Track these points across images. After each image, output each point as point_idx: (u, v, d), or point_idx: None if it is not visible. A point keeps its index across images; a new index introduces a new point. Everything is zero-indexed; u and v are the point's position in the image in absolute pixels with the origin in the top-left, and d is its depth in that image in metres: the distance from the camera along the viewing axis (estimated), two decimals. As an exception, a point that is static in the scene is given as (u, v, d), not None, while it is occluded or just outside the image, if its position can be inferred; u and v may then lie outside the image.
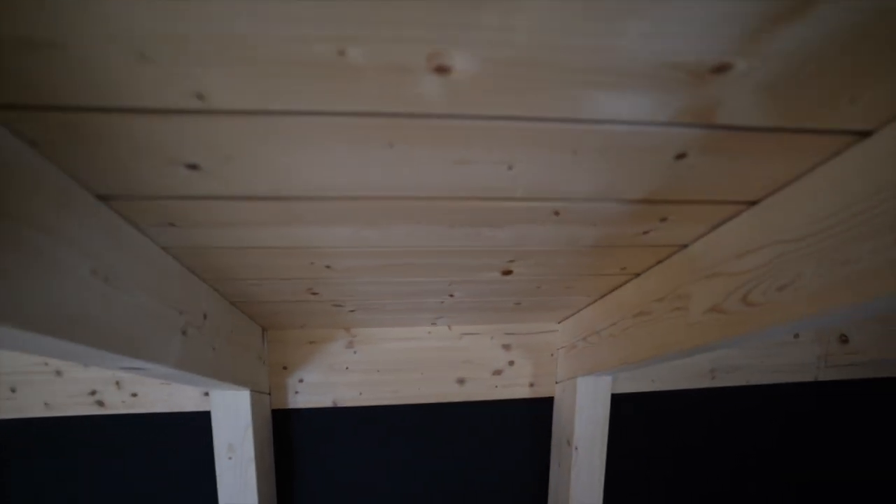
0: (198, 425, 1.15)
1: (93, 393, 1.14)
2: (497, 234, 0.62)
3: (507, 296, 0.96)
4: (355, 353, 1.19)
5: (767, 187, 0.54)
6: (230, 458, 1.06)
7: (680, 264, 0.73)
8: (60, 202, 0.43)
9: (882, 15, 0.31)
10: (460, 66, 0.33)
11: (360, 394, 1.20)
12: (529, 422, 1.28)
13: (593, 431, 1.17)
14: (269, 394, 1.17)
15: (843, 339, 1.34)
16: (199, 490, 1.16)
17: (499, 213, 0.56)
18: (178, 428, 1.16)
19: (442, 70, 0.33)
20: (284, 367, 1.18)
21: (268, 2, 0.27)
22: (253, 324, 1.07)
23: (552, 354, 1.25)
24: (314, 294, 0.87)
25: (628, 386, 1.31)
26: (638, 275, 0.84)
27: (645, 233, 0.65)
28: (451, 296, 0.94)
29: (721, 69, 0.35)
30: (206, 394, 1.17)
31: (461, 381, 1.23)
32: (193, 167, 0.44)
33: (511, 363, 1.25)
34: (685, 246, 0.71)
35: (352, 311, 1.02)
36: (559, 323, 1.24)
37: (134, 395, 1.15)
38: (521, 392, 1.26)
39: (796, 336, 1.37)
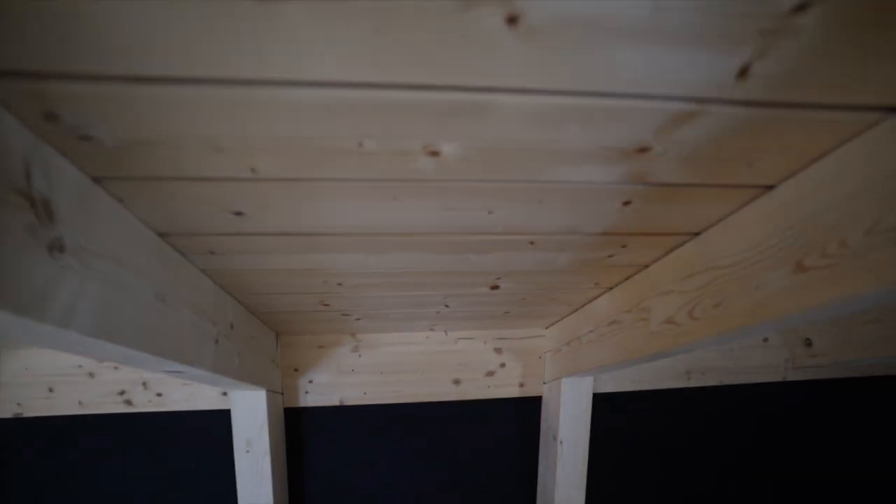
0: (216, 422, 1.27)
1: (122, 393, 1.26)
2: (483, 258, 0.74)
3: (497, 306, 1.08)
4: (360, 356, 1.31)
5: (705, 223, 0.65)
6: (248, 452, 1.18)
7: (642, 281, 0.84)
8: (134, 240, 0.55)
9: (750, 119, 0.42)
10: (447, 151, 0.44)
11: (365, 394, 1.32)
12: (519, 419, 1.39)
13: (576, 427, 1.28)
14: (282, 393, 1.29)
15: (808, 343, 1.45)
16: (218, 480, 1.27)
17: (483, 244, 0.68)
18: (198, 424, 1.28)
19: (433, 153, 0.44)
20: (296, 370, 1.29)
21: (311, 112, 0.39)
22: (268, 330, 1.18)
23: (540, 357, 1.37)
24: (325, 305, 0.99)
25: (611, 386, 1.43)
26: (610, 289, 0.96)
27: (609, 256, 0.77)
28: (447, 306, 1.05)
29: (643, 150, 0.46)
30: (224, 393, 1.29)
31: (457, 382, 1.35)
32: (239, 214, 0.55)
33: (502, 365, 1.36)
34: (646, 266, 0.83)
35: (358, 319, 1.13)
36: (546, 328, 1.36)
37: (159, 394, 1.27)
38: (512, 392, 1.37)
39: (765, 340, 1.49)
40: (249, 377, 1.01)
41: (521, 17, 0.30)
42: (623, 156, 0.47)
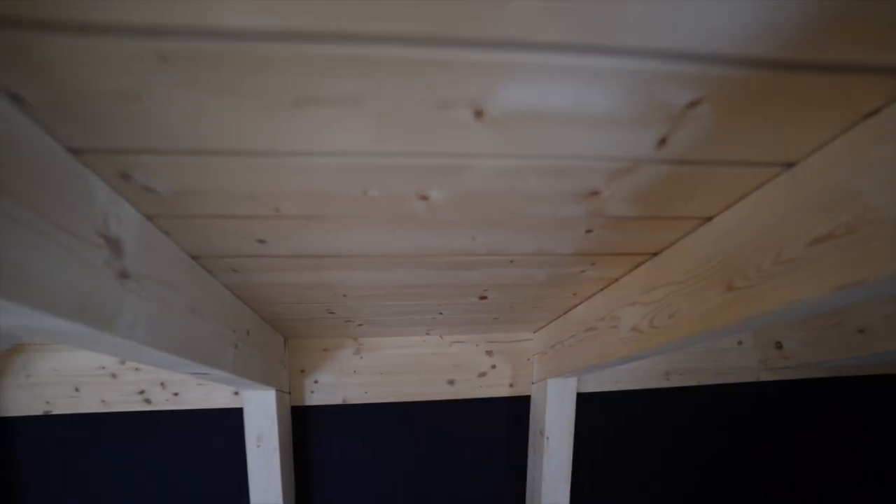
0: (229, 419, 1.37)
1: (141, 392, 1.36)
2: (470, 274, 0.85)
3: (486, 313, 1.18)
4: (362, 358, 1.41)
5: (660, 246, 0.76)
6: (259, 447, 1.28)
7: (613, 293, 0.95)
8: (175, 264, 0.66)
9: (676, 172, 0.53)
10: (435, 196, 0.55)
11: (366, 393, 1.42)
12: (509, 416, 1.50)
13: (562, 424, 1.39)
14: (290, 393, 1.39)
15: (779, 346, 1.56)
16: (230, 473, 1.38)
17: (469, 263, 0.78)
18: (212, 422, 1.38)
19: (424, 198, 0.55)
20: (302, 371, 1.40)
21: (326, 172, 0.49)
22: (277, 335, 1.29)
23: (528, 359, 1.47)
24: (331, 313, 1.09)
25: (596, 385, 1.53)
26: (587, 298, 1.06)
27: (582, 271, 0.87)
28: (441, 313, 1.16)
29: (595, 193, 0.57)
30: (236, 393, 1.39)
31: (451, 382, 1.45)
32: (261, 241, 0.66)
33: (494, 367, 1.47)
34: (616, 279, 0.93)
35: (360, 324, 1.24)
36: (534, 332, 1.46)
37: (175, 394, 1.37)
38: (503, 391, 1.48)
39: (740, 343, 1.60)
40: (262, 378, 1.12)
41: (484, 112, 0.41)
42: (579, 198, 0.58)
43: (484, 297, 1.02)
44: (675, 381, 1.57)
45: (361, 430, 1.44)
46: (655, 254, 0.80)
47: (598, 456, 1.54)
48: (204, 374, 0.85)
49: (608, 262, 0.83)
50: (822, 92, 0.41)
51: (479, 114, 0.41)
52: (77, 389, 1.34)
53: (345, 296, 0.94)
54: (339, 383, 1.42)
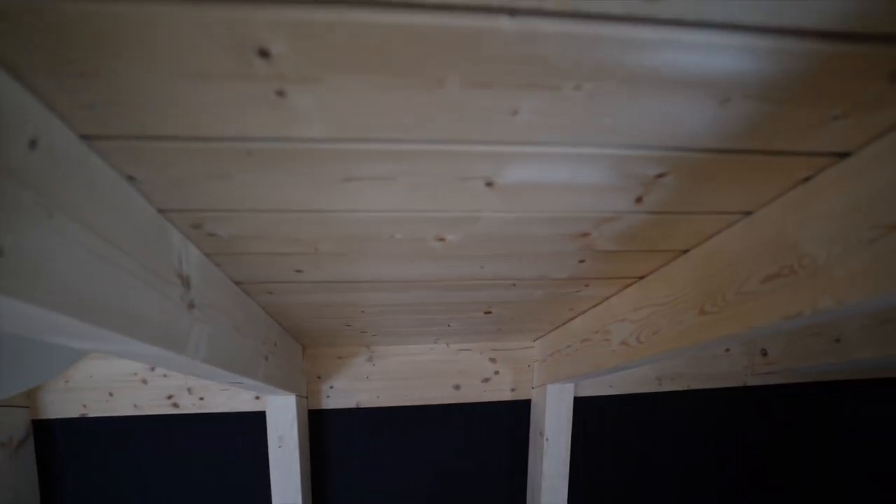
0: (251, 422, 1.48)
1: (170, 397, 1.47)
2: (477, 294, 0.95)
3: (490, 324, 1.28)
4: (374, 365, 1.52)
5: (646, 271, 0.86)
6: (280, 447, 1.39)
7: (605, 309, 1.05)
8: (225, 291, 0.76)
9: (652, 219, 0.63)
10: (450, 238, 0.65)
11: (378, 397, 1.53)
12: (511, 419, 1.60)
13: (560, 426, 1.49)
14: (307, 398, 1.50)
15: (764, 353, 1.66)
16: (252, 471, 1.48)
17: (477, 286, 0.89)
18: (235, 424, 1.49)
19: (441, 239, 0.65)
20: (319, 377, 1.50)
21: (362, 224, 0.60)
22: (297, 344, 1.39)
23: (529, 366, 1.58)
24: (348, 326, 1.20)
25: (592, 390, 1.64)
26: (582, 313, 1.17)
27: (577, 291, 0.98)
28: (449, 325, 1.26)
29: (585, 235, 0.67)
30: (257, 397, 1.49)
31: (457, 387, 1.56)
32: (298, 271, 0.76)
33: (497, 373, 1.57)
34: (608, 298, 1.03)
35: (373, 335, 1.34)
36: (534, 341, 1.57)
37: (201, 398, 1.48)
38: (505, 396, 1.58)
39: (727, 350, 1.70)
40: (285, 384, 1.22)
41: (494, 183, 0.51)
42: (572, 238, 0.68)
43: (489, 312, 1.12)
44: (667, 386, 1.67)
45: (373, 431, 1.54)
46: (642, 277, 0.90)
47: (595, 456, 1.65)
48: (240, 382, 0.96)
49: (600, 284, 0.93)
50: (765, 166, 0.51)
51: (489, 184, 0.51)
52: (111, 394, 1.44)
53: (363, 312, 1.05)
54: (352, 388, 1.52)
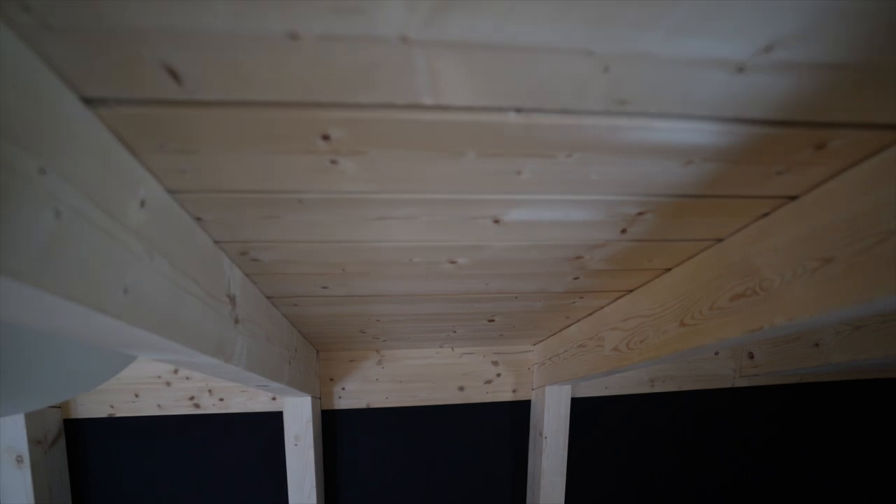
0: (268, 421, 1.57)
1: (191, 398, 1.56)
2: (482, 305, 1.05)
3: (493, 331, 1.38)
4: (383, 368, 1.61)
5: (634, 285, 0.96)
6: (296, 445, 1.48)
7: (599, 318, 1.15)
8: (259, 305, 0.86)
9: (637, 246, 0.73)
10: (461, 261, 0.75)
11: (387, 398, 1.62)
12: (512, 418, 1.70)
13: (558, 425, 1.59)
14: (320, 398, 1.59)
15: (750, 356, 1.76)
16: (269, 468, 1.58)
17: (482, 299, 0.98)
18: (253, 424, 1.58)
19: (453, 262, 0.75)
20: (331, 379, 1.60)
21: (385, 251, 0.69)
22: (312, 348, 1.49)
23: (529, 369, 1.67)
24: (362, 332, 1.29)
25: (588, 391, 1.73)
26: (578, 320, 1.26)
27: (573, 302, 1.07)
28: (454, 331, 1.36)
29: (578, 258, 0.77)
30: (273, 398, 1.59)
31: (461, 389, 1.65)
32: (324, 287, 0.86)
33: (499, 375, 1.67)
34: (601, 308, 1.13)
35: (384, 340, 1.44)
36: (534, 345, 1.66)
37: (221, 399, 1.57)
38: (506, 396, 1.68)
39: (716, 353, 1.79)
40: (302, 387, 1.32)
41: (500, 220, 0.61)
42: (567, 261, 0.78)
43: (492, 320, 1.22)
44: (659, 388, 1.77)
45: (383, 430, 1.64)
46: (631, 291, 1.00)
47: (591, 453, 1.74)
48: (266, 385, 1.05)
49: (594, 296, 1.03)
50: (729, 206, 0.61)
51: (496, 221, 0.61)
52: (136, 395, 1.54)
53: (378, 320, 1.14)
54: (363, 390, 1.62)
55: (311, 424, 1.47)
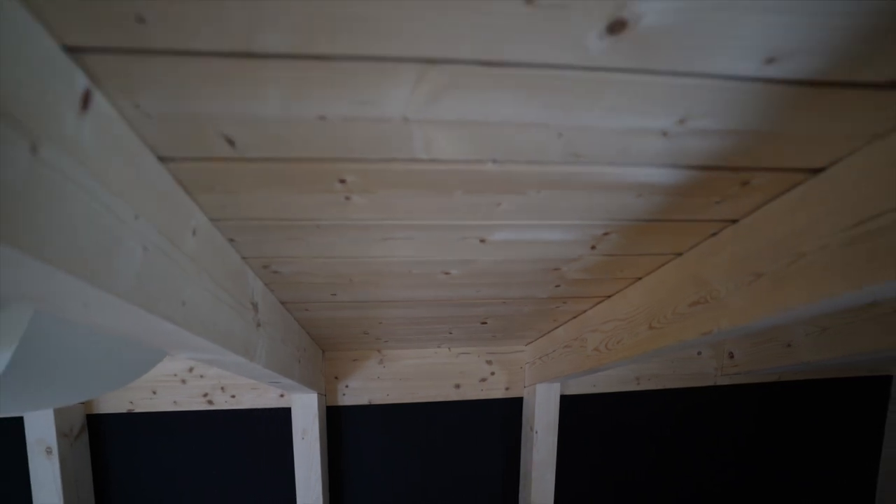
0: (277, 417, 1.68)
1: (205, 395, 1.67)
2: (475, 309, 1.16)
3: (487, 332, 1.49)
4: (384, 367, 1.72)
5: (611, 292, 1.07)
6: (303, 439, 1.59)
7: (581, 322, 1.26)
8: (275, 310, 0.96)
9: (606, 259, 0.84)
10: (454, 272, 0.86)
11: (388, 395, 1.73)
12: (505, 414, 1.81)
13: (548, 420, 1.70)
14: (325, 395, 1.70)
15: (731, 355, 1.87)
16: (278, 460, 1.69)
17: (474, 304, 1.09)
18: (262, 419, 1.69)
19: (447, 273, 0.86)
20: (336, 377, 1.70)
21: (389, 264, 0.80)
22: (318, 348, 1.59)
23: (521, 367, 1.78)
24: (365, 334, 1.40)
25: (577, 389, 1.84)
26: (564, 323, 1.37)
27: (557, 307, 1.18)
28: (451, 333, 1.47)
29: (556, 269, 0.87)
30: (282, 395, 1.70)
31: (457, 386, 1.76)
32: (334, 294, 0.97)
33: (493, 373, 1.78)
34: (584, 311, 1.24)
35: (385, 341, 1.55)
36: (526, 346, 1.77)
37: (233, 396, 1.68)
38: (500, 394, 1.79)
39: (699, 353, 1.90)
40: (310, 384, 1.42)
41: (486, 240, 0.72)
42: (547, 272, 0.88)
43: (485, 323, 1.33)
44: (644, 385, 1.88)
45: (383, 425, 1.75)
46: (609, 296, 1.11)
47: (579, 447, 1.85)
48: (278, 382, 1.16)
49: (575, 302, 1.14)
50: (683, 227, 0.72)
51: (482, 241, 0.72)
52: (154, 392, 1.64)
53: (381, 323, 1.25)
54: (365, 387, 1.72)
55: (317, 419, 1.58)
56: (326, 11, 0.32)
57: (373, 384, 1.73)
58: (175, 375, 1.65)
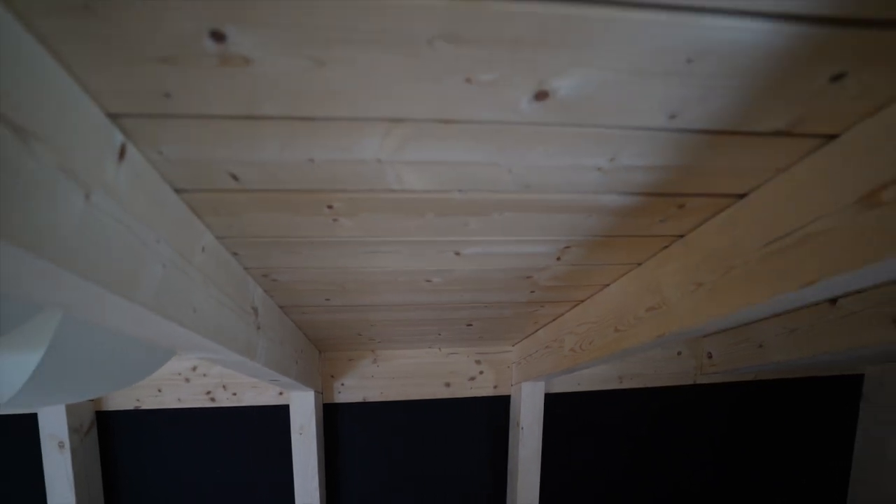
0: (276, 414, 1.77)
1: (208, 393, 1.76)
2: (459, 313, 1.24)
3: (473, 334, 1.58)
4: (378, 366, 1.81)
5: (583, 297, 1.16)
6: (301, 434, 1.68)
7: (559, 324, 1.35)
8: (274, 314, 1.05)
9: (573, 269, 0.93)
10: (435, 280, 0.94)
11: (381, 393, 1.82)
12: (493, 411, 1.90)
13: (533, 417, 1.79)
14: (322, 393, 1.79)
15: (709, 356, 1.96)
16: (276, 454, 1.78)
17: (458, 307, 1.18)
18: (262, 416, 1.78)
19: (429, 281, 0.95)
20: (332, 376, 1.79)
21: (376, 274, 0.89)
22: (315, 349, 1.68)
23: (508, 367, 1.87)
24: (359, 335, 1.49)
25: (561, 387, 1.93)
26: (544, 325, 1.46)
27: (536, 311, 1.27)
28: (440, 334, 1.56)
29: (529, 277, 0.96)
30: (280, 393, 1.79)
31: (448, 385, 1.85)
32: (328, 299, 1.06)
33: (481, 372, 1.87)
34: (562, 314, 1.33)
35: (379, 342, 1.64)
36: (513, 346, 1.86)
37: (234, 393, 1.77)
38: (488, 392, 1.88)
39: (679, 353, 1.99)
40: (307, 382, 1.51)
41: (461, 254, 0.80)
42: (521, 279, 0.97)
43: (470, 325, 1.42)
44: (627, 384, 1.96)
45: (377, 421, 1.84)
46: (582, 301, 1.20)
47: (564, 443, 1.94)
48: (277, 380, 1.25)
49: (552, 306, 1.23)
50: (636, 241, 0.81)
51: (457, 254, 0.81)
52: (159, 390, 1.73)
53: (373, 325, 1.34)
54: (360, 385, 1.81)
55: (314, 416, 1.67)
56: (310, 87, 0.41)
57: (367, 382, 1.82)
58: (179, 374, 1.74)
